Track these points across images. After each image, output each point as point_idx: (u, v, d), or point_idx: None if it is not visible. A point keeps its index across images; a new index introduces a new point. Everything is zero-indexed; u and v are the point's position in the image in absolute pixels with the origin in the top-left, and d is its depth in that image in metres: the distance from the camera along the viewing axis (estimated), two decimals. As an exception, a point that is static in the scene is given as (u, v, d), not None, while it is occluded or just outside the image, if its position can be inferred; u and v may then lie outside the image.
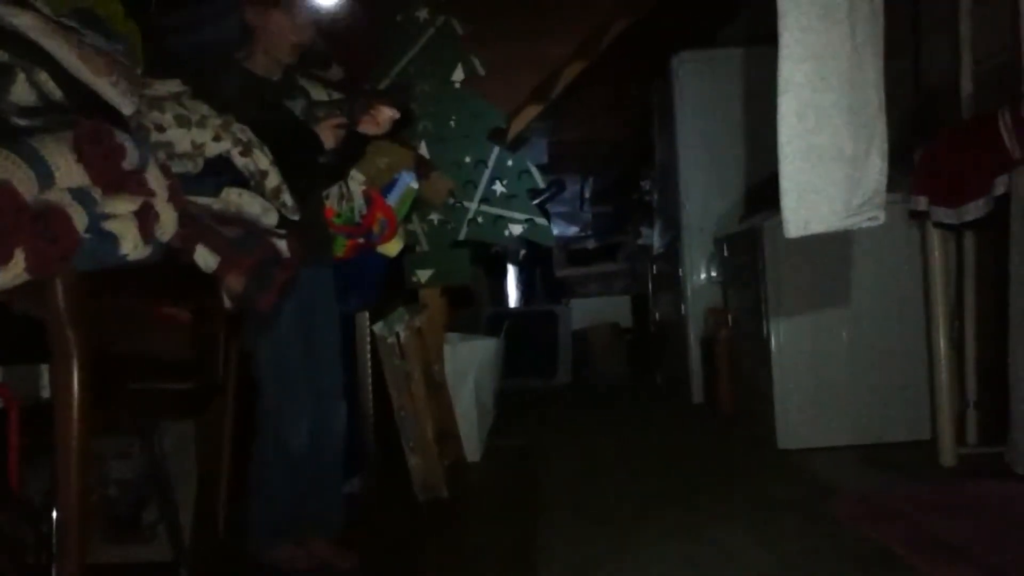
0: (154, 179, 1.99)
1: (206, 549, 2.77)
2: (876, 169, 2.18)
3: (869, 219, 2.20)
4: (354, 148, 2.87)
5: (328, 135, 2.70)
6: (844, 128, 2.12)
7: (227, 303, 2.30)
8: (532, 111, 5.69)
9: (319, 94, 2.94)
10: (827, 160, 2.12)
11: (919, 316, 3.92)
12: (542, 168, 4.52)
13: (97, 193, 1.78)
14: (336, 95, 2.97)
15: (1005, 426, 3.25)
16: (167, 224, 2.02)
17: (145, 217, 1.92)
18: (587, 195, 9.49)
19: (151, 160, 2.01)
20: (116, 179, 1.83)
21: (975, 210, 3.16)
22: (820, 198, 2.13)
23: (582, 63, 5.45)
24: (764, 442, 4.20)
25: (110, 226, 1.81)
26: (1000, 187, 3.03)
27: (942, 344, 3.56)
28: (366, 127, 2.80)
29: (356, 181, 3.12)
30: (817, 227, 2.16)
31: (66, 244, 1.69)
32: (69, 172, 1.70)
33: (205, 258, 2.19)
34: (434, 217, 4.20)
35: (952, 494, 3.08)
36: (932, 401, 3.71)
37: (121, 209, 1.84)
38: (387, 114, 2.82)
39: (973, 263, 3.61)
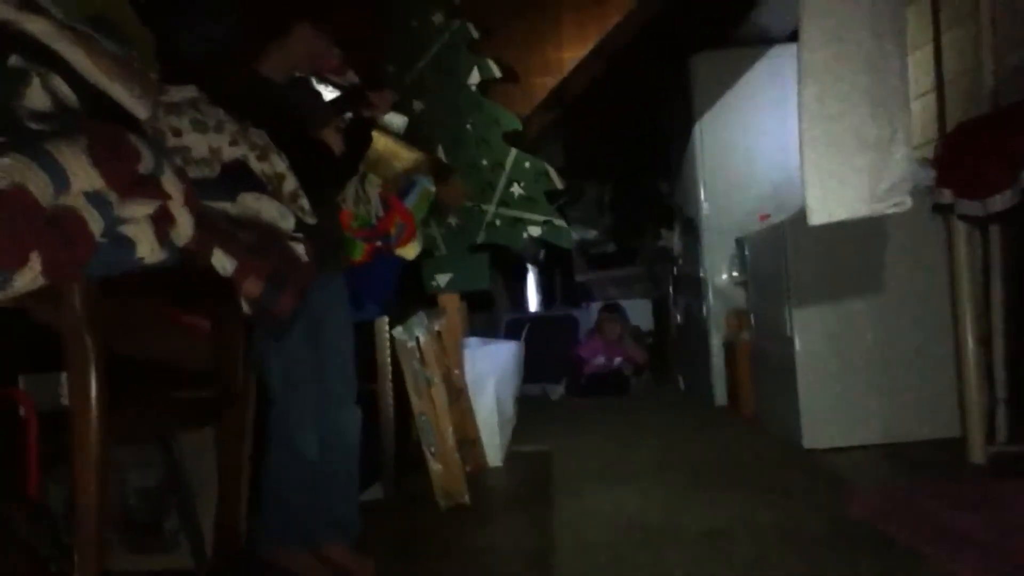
0: (170, 183, 1.98)
1: (228, 558, 2.76)
2: (901, 154, 2.14)
3: (895, 205, 2.16)
4: (360, 138, 2.86)
5: (333, 139, 2.70)
6: (867, 114, 2.08)
7: (245, 308, 2.28)
8: (549, 114, 5.68)
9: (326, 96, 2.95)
10: (850, 146, 2.08)
11: (946, 312, 3.86)
12: (560, 171, 4.48)
13: (113, 197, 1.77)
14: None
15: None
16: (183, 228, 2.01)
17: (161, 221, 1.91)
18: (606, 198, 9.43)
19: (167, 164, 2.00)
20: (131, 183, 1.82)
21: (1001, 202, 3.09)
22: (844, 185, 2.10)
23: (598, 65, 5.44)
24: (789, 443, 4.15)
25: (126, 230, 1.80)
26: (1027, 179, 2.97)
27: (970, 340, 3.50)
28: (367, 111, 2.82)
29: (372, 184, 3.12)
30: (841, 214, 2.13)
31: (82, 249, 1.68)
32: (84, 176, 1.69)
33: (222, 262, 2.17)
34: (452, 221, 4.18)
35: (979, 491, 3.02)
36: (960, 398, 3.65)
37: (137, 213, 1.83)
38: (384, 96, 2.83)
39: (1000, 256, 3.54)
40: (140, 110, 2.04)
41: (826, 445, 3.98)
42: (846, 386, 4.02)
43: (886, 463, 3.66)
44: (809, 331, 4.09)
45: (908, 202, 2.16)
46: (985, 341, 3.56)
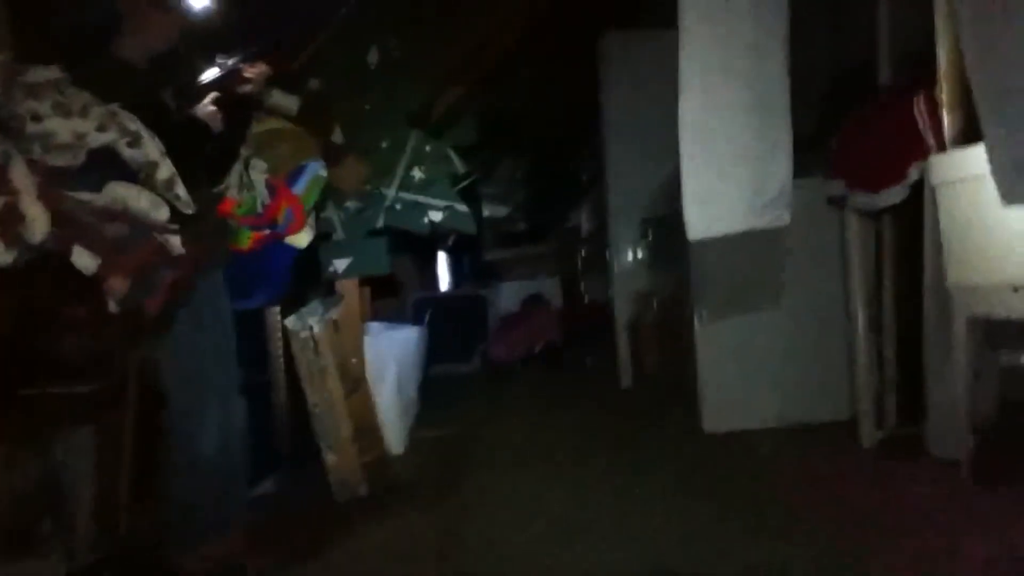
0: (19, 176, 1.85)
1: (105, 560, 2.65)
2: (782, 168, 2.13)
3: (774, 219, 2.16)
4: (239, 117, 2.74)
5: (212, 117, 2.57)
6: (745, 126, 2.06)
7: (112, 307, 2.16)
8: (456, 91, 5.57)
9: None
10: (729, 159, 2.06)
11: (841, 298, 3.92)
12: (472, 149, 4.38)
13: (-54, 195, 1.63)
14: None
15: (923, 406, 3.27)
16: (36, 225, 1.89)
17: (8, 218, 1.78)
18: (518, 175, 9.38)
19: (15, 156, 1.87)
20: (-31, 179, 1.68)
21: (892, 196, 3.14)
22: (722, 198, 2.08)
23: (506, 42, 5.36)
24: (691, 426, 4.17)
25: (-36, 230, 1.67)
26: (915, 174, 3.01)
27: (862, 325, 3.57)
28: (242, 87, 2.71)
29: (258, 170, 2.99)
30: (719, 229, 2.11)
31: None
32: (-90, 172, 1.56)
33: (83, 259, 2.05)
34: (351, 204, 4.05)
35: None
36: (852, 383, 3.73)
37: (-24, 211, 1.69)
38: (258, 69, 2.72)
39: (892, 246, 3.60)
40: (-16, 96, 1.89)
41: (725, 428, 4.03)
42: (745, 370, 4.07)
43: (782, 448, 3.71)
44: (710, 315, 4.11)
45: (787, 217, 2.16)
46: (876, 327, 3.62)
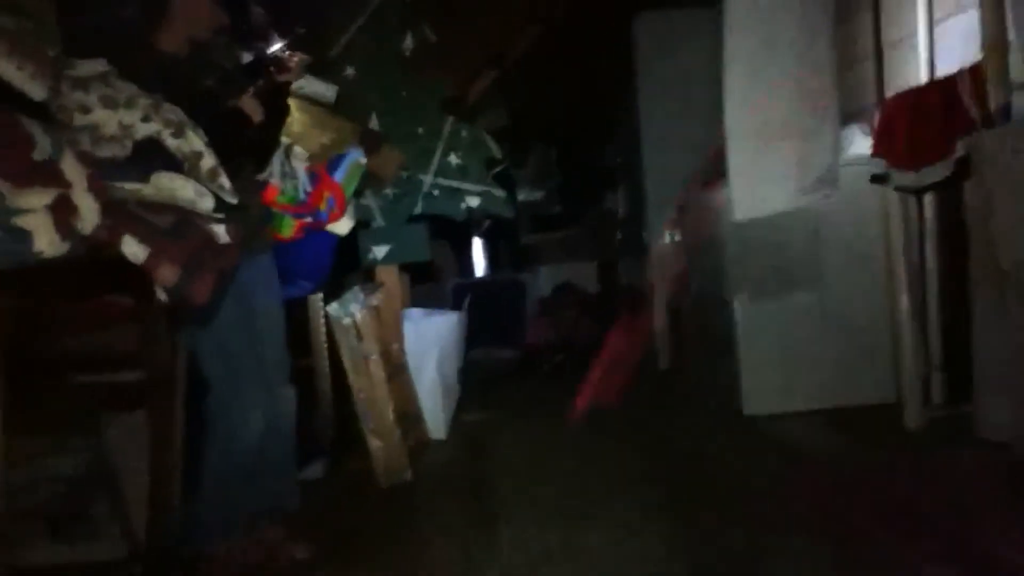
0: (70, 169, 1.88)
1: (160, 544, 2.69)
2: (829, 143, 2.09)
3: (823, 196, 2.12)
4: (276, 105, 2.75)
5: (252, 108, 2.58)
6: (795, 102, 2.03)
7: (160, 296, 2.19)
8: (489, 76, 5.57)
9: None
10: (777, 136, 2.03)
11: (884, 277, 3.87)
12: (505, 133, 4.37)
13: (4, 188, 1.67)
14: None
15: (970, 386, 3.22)
16: (88, 216, 1.91)
17: (61, 210, 1.81)
18: (552, 157, 9.34)
19: (66, 148, 1.89)
20: (25, 172, 1.71)
21: (935, 173, 3.09)
22: (769, 177, 2.05)
23: (539, 26, 5.35)
24: (730, 409, 4.15)
25: (20, 222, 1.70)
26: (961, 150, 2.96)
27: (905, 306, 3.52)
28: (282, 75, 2.71)
29: (299, 158, 3.01)
30: (767, 208, 2.08)
31: (-33, 244, 1.59)
32: (-32, 167, 1.59)
33: (133, 249, 2.08)
34: (389, 191, 4.07)
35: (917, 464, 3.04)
36: (897, 364, 3.68)
37: (33, 203, 1.73)
38: (296, 59, 2.72)
39: (934, 225, 3.55)
40: (35, 90, 1.92)
41: (766, 411, 4.00)
42: (786, 352, 4.03)
43: (826, 431, 3.68)
44: (750, 295, 4.07)
45: (834, 193, 2.12)
46: (921, 307, 3.57)
